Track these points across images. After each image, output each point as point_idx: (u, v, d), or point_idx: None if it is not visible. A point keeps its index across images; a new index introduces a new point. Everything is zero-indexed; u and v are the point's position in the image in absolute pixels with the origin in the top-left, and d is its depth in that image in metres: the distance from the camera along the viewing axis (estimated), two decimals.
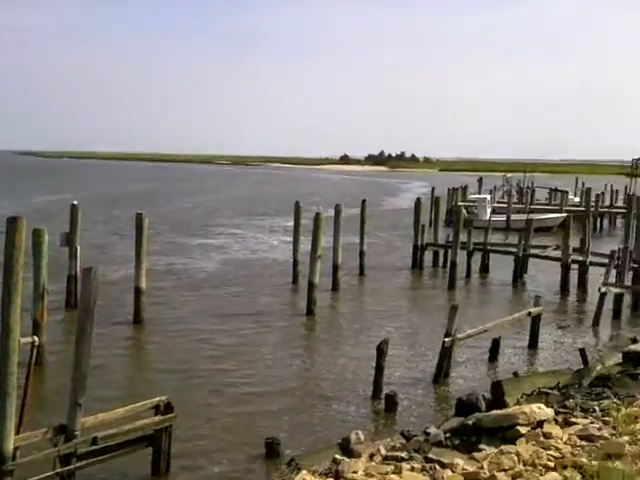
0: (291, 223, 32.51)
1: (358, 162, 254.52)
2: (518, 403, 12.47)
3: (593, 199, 57.33)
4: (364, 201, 33.02)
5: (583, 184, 66.31)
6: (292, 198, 33.50)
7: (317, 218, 24.78)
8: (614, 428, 10.40)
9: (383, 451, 10.45)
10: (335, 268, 28.20)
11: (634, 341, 17.60)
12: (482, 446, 10.41)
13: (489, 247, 34.31)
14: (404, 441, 12.39)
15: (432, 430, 12.31)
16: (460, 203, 52.42)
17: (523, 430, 10.46)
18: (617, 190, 67.65)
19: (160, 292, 25.97)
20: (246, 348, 19.70)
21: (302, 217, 30.92)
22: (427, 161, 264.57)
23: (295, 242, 30.23)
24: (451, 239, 32.17)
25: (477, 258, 33.36)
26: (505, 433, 10.61)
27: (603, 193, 64.61)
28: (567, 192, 63.92)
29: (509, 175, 76.11)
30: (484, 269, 33.35)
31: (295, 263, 29.72)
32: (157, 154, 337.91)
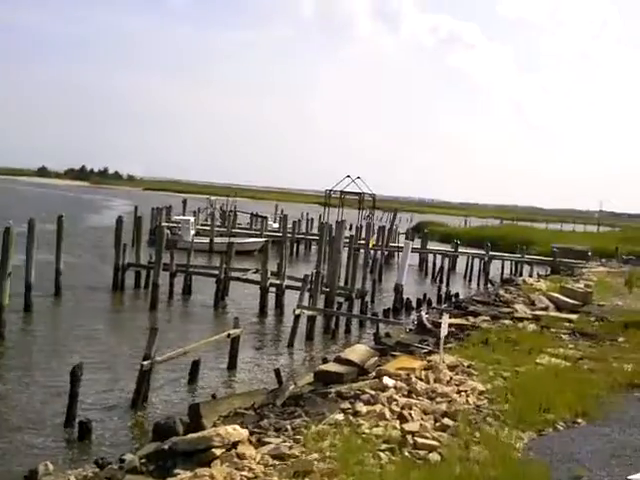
0: None
1: (57, 175, 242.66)
2: (215, 425, 12.55)
3: (290, 225, 60.68)
4: (61, 217, 31.30)
5: (282, 211, 69.80)
6: None
7: (7, 232, 23.06)
8: (304, 446, 10.84)
9: None
10: (28, 287, 26.38)
11: (325, 361, 18.73)
12: (177, 470, 10.32)
13: (192, 269, 34.49)
14: (97, 470, 11.87)
15: (128, 457, 11.94)
16: (164, 224, 52.15)
17: (218, 452, 10.54)
18: (312, 218, 72.12)
19: None
20: None
21: None
22: (131, 179, 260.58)
23: None
24: (154, 260, 31.80)
25: (180, 280, 33.32)
26: (201, 456, 10.61)
27: (300, 220, 68.42)
28: (267, 218, 66.73)
29: (213, 198, 77.64)
30: (187, 291, 33.37)
31: None
32: None
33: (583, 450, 10.28)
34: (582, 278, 38.24)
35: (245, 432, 11.33)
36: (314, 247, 60.19)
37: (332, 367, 16.57)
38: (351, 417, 12.15)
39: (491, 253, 51.84)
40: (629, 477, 5.77)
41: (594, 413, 12.22)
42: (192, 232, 51.91)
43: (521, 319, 23.74)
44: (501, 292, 32.72)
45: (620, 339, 20.04)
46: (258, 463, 10.24)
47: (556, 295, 28.29)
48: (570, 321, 23.26)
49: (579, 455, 10.05)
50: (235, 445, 10.90)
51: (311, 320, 25.75)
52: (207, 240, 53.45)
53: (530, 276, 46.34)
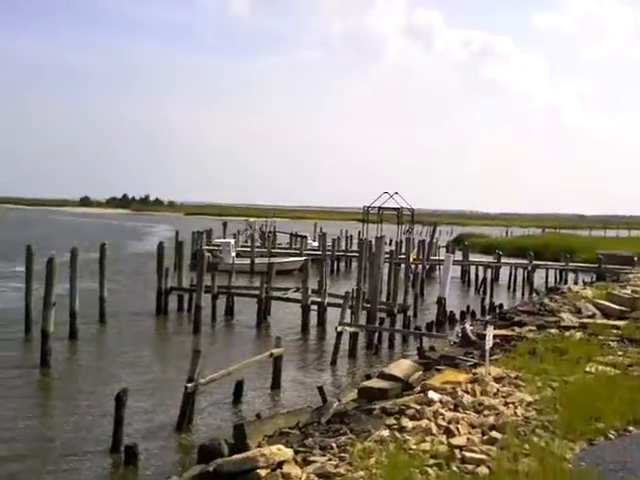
0: (22, 269, 30.22)
1: (99, 204, 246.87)
2: (260, 445, 12.49)
3: (329, 243, 60.70)
4: (103, 244, 31.74)
5: (321, 229, 69.91)
6: (25, 242, 31.22)
7: (50, 262, 23.51)
8: (350, 464, 10.71)
9: None
10: (72, 315, 26.72)
11: (368, 377, 18.58)
12: None
13: (233, 290, 34.65)
14: None
15: (174, 479, 11.97)
16: (204, 247, 52.58)
17: (263, 472, 10.47)
18: (351, 235, 72.06)
19: None
20: None
21: (37, 262, 28.87)
22: (171, 205, 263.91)
23: (27, 289, 28.05)
24: (195, 283, 32.01)
25: (222, 301, 33.47)
26: (246, 477, 10.56)
27: (339, 238, 68.43)
28: (306, 237, 66.87)
29: (252, 220, 78.14)
30: (229, 312, 33.51)
31: (28, 311, 27.57)
32: None
33: (636, 458, 9.97)
34: (629, 284, 37.41)
35: (290, 451, 11.25)
36: (354, 264, 60.05)
37: (376, 383, 16.43)
38: (397, 433, 11.98)
39: (534, 262, 51.15)
40: None
41: None
42: (233, 254, 52.22)
43: (568, 328, 23.28)
44: (546, 301, 32.16)
45: None
46: None
47: (603, 302, 27.72)
48: (618, 328, 22.72)
49: (632, 464, 9.76)
50: (280, 465, 10.83)
51: (353, 337, 25.62)
52: (248, 261, 53.74)
53: (575, 284, 45.56)
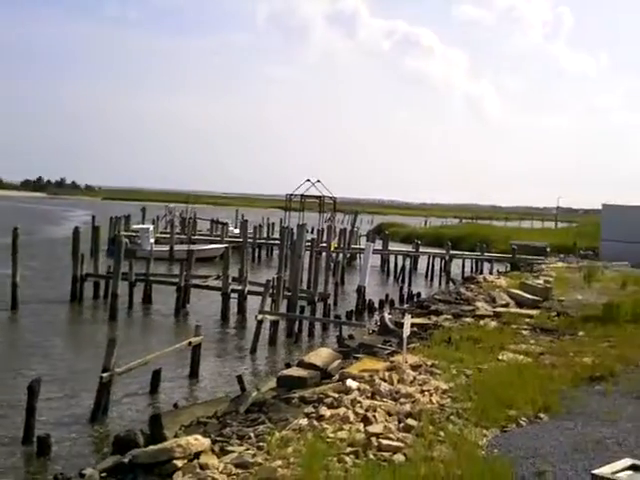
0: None
1: (12, 187, 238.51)
2: (177, 436, 12.35)
3: (251, 231, 60.40)
4: (16, 229, 30.65)
5: (242, 216, 69.48)
6: None
7: None
8: (268, 453, 10.69)
9: None
10: None
11: (288, 366, 18.59)
12: None
13: (151, 278, 34.06)
14: None
15: (87, 471, 11.72)
16: (122, 232, 51.51)
17: (180, 463, 10.36)
18: (273, 223, 71.88)
19: None
20: None
21: None
22: (89, 189, 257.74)
23: None
24: (112, 269, 31.32)
25: (140, 289, 32.87)
26: (162, 468, 10.42)
27: (261, 225, 68.17)
28: (227, 224, 66.33)
29: (172, 205, 77.01)
30: (147, 300, 32.91)
31: None
32: None
33: (546, 445, 10.30)
34: (541, 274, 38.63)
35: (207, 441, 11.16)
36: (276, 252, 59.95)
37: (295, 372, 16.46)
38: (315, 421, 12.02)
39: (451, 252, 52.20)
40: (593, 471, 5.74)
41: (556, 407, 12.28)
42: (151, 240, 51.27)
43: (482, 316, 23.87)
44: (462, 290, 32.91)
45: (580, 333, 20.24)
46: (221, 472, 10.07)
47: (516, 291, 28.53)
48: (531, 317, 23.45)
49: (542, 450, 10.07)
50: (197, 455, 10.73)
51: (274, 325, 25.60)
52: (167, 248, 52.92)
53: (490, 273, 46.73)
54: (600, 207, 55.34)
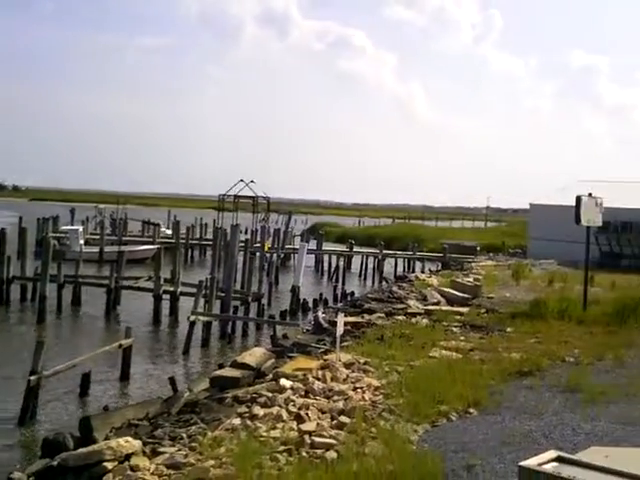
0: None
1: None
2: (107, 438, 12.13)
3: (184, 232, 59.80)
4: None
5: (175, 217, 68.72)
6: None
7: None
8: (200, 453, 10.61)
9: None
10: None
11: (221, 366, 18.47)
12: None
13: (81, 279, 33.37)
14: None
15: (16, 475, 11.49)
16: (50, 234, 50.32)
17: (110, 465, 10.18)
18: (206, 223, 71.28)
19: None
20: None
21: None
22: (16, 189, 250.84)
23: None
24: (40, 271, 30.56)
25: (68, 291, 32.15)
26: (92, 471, 10.23)
27: (193, 226, 67.52)
28: (159, 225, 65.47)
29: (102, 206, 75.63)
30: (76, 302, 32.23)
31: None
32: None
33: (475, 439, 10.50)
34: (471, 272, 39.40)
35: (138, 443, 10.99)
36: (209, 253, 59.53)
37: (228, 372, 16.35)
38: (248, 421, 11.98)
39: (384, 251, 52.74)
40: (520, 463, 5.88)
41: (485, 402, 12.51)
42: (81, 242, 50.18)
43: (414, 314, 24.18)
44: (394, 289, 33.25)
45: (508, 329, 20.68)
46: (152, 474, 9.94)
47: (447, 290, 29.02)
48: (461, 314, 23.87)
49: (472, 444, 10.25)
50: (128, 457, 10.56)
51: (207, 326, 25.40)
52: (97, 249, 51.92)
53: (422, 272, 47.40)
54: (528, 207, 56.78)
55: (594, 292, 25.26)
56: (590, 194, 23.75)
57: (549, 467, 5.80)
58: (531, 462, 5.94)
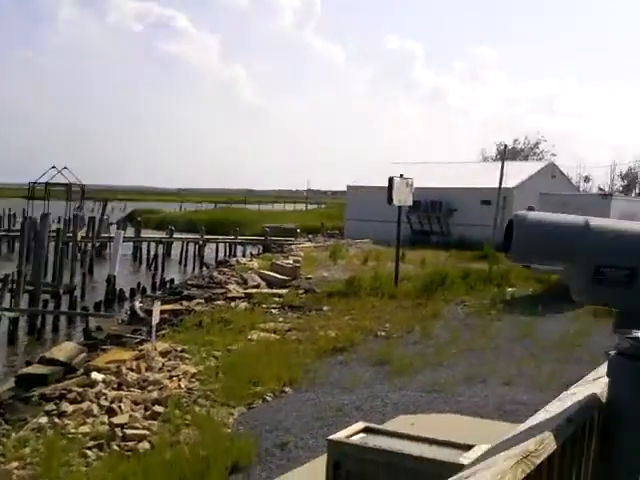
0: None
1: None
2: None
3: None
4: None
5: None
6: None
7: None
8: (3, 455, 10.03)
9: None
10: None
11: (28, 364, 17.48)
12: None
13: None
14: None
15: None
16: None
17: None
18: (15, 214, 67.15)
19: None
20: None
21: None
22: None
23: None
24: None
25: None
26: None
27: (1, 217, 63.48)
28: None
29: None
30: None
31: None
32: None
33: (290, 417, 10.61)
34: (291, 254, 39.92)
35: None
36: (17, 245, 56.21)
37: (35, 369, 15.54)
38: (56, 419, 11.45)
39: (205, 237, 52.27)
40: (329, 437, 5.98)
41: (300, 380, 12.71)
42: None
43: (234, 298, 24.14)
44: (215, 274, 33.04)
45: (325, 308, 21.17)
46: None
47: (267, 272, 29.23)
48: (280, 296, 24.12)
49: (286, 423, 10.36)
50: None
51: (14, 322, 23.91)
52: None
53: (244, 256, 47.46)
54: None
55: (405, 268, 26.39)
56: (402, 175, 24.74)
57: (356, 438, 5.94)
58: (339, 435, 6.06)
